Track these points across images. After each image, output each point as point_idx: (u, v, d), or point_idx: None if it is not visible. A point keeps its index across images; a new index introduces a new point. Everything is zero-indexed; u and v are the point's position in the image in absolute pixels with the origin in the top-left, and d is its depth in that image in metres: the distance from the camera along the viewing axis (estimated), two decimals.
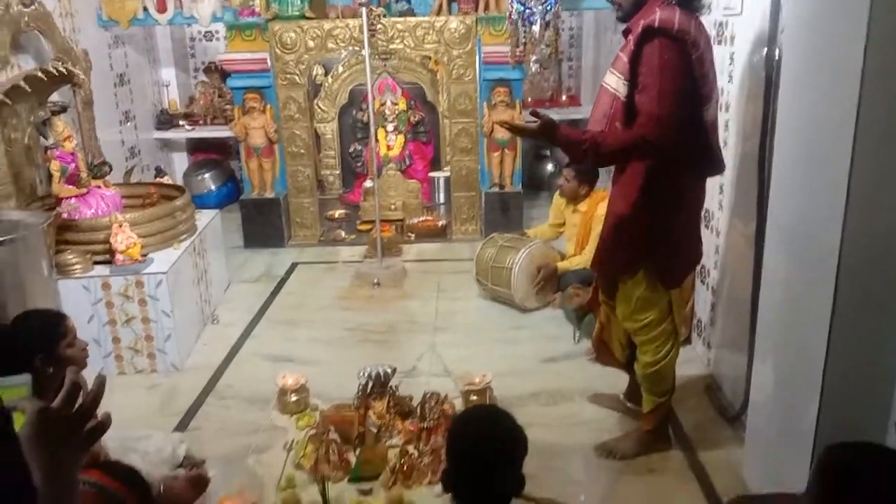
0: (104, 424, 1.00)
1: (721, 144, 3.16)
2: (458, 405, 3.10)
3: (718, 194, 3.29)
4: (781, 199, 2.34)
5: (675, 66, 2.30)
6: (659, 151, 2.35)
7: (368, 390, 3.01)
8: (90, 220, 3.67)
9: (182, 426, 3.15)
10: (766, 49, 2.67)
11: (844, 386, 2.01)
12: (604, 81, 2.48)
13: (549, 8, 4.63)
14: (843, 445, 1.46)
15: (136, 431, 2.64)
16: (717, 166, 2.62)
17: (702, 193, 2.68)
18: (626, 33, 2.46)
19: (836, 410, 2.03)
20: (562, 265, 4.18)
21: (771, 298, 2.44)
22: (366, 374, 3.02)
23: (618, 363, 3.07)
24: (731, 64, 3.11)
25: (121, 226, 3.55)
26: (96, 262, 3.60)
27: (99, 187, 3.90)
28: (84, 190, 3.78)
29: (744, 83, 2.98)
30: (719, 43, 3.24)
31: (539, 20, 4.70)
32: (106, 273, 3.54)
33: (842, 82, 1.85)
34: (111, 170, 4.10)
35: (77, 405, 0.96)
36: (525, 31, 4.81)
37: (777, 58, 2.56)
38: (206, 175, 6.63)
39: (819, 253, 2.00)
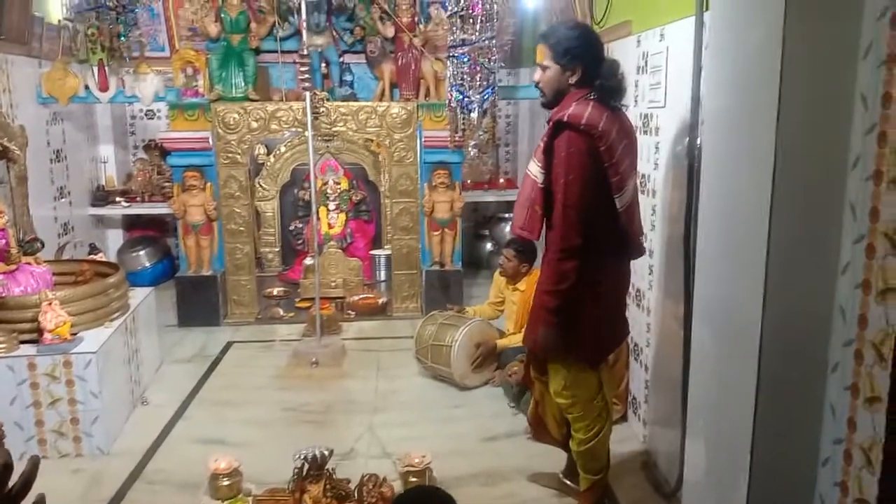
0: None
1: (650, 227, 3.34)
2: (398, 487, 3.04)
3: (648, 275, 3.42)
4: (705, 281, 2.46)
5: (580, 157, 2.45)
6: (572, 249, 2.48)
7: (304, 473, 2.93)
8: (18, 298, 3.55)
9: None
10: (688, 139, 2.85)
11: (771, 461, 2.08)
12: (528, 169, 2.66)
13: (486, 97, 4.85)
14: None
15: None
16: (634, 250, 2.76)
17: (621, 276, 2.79)
18: (549, 122, 2.61)
19: (765, 485, 2.09)
20: (501, 342, 4.24)
21: (699, 377, 2.52)
22: (301, 457, 2.94)
23: (554, 440, 3.09)
24: (656, 153, 3.30)
25: (50, 304, 3.45)
26: (23, 342, 3.47)
27: (29, 264, 3.81)
28: (13, 266, 3.69)
29: (669, 170, 3.16)
30: (645, 133, 3.44)
31: (477, 108, 4.90)
32: (32, 352, 3.41)
33: (757, 169, 1.99)
34: (43, 246, 4.01)
35: (8, 488, 0.94)
36: (464, 118, 5.00)
37: (698, 147, 2.73)
38: (142, 252, 6.53)
39: (742, 333, 2.10)
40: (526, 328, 2.87)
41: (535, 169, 2.58)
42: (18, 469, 0.99)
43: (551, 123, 2.51)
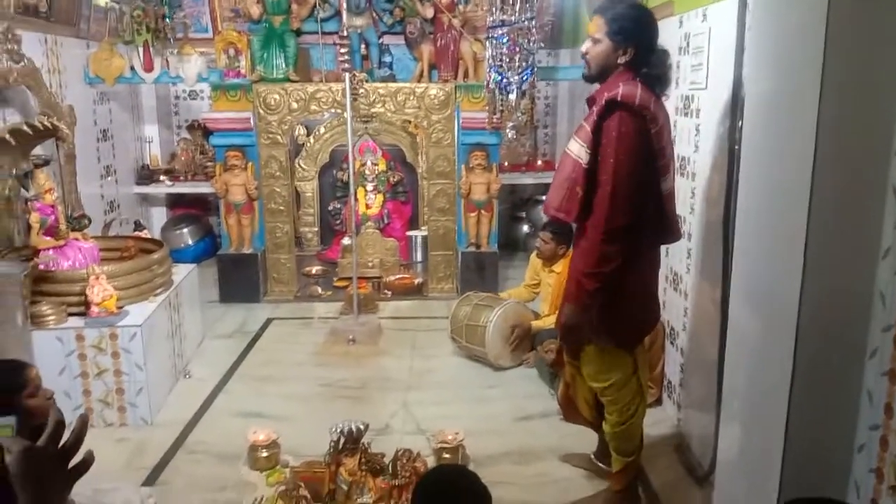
0: (87, 462, 1.03)
1: (688, 211, 3.31)
2: (431, 463, 3.09)
3: (686, 258, 3.40)
4: (743, 264, 2.44)
5: (632, 138, 2.40)
6: (617, 231, 2.43)
7: (340, 447, 3.00)
8: (67, 272, 3.68)
9: (150, 481, 3.11)
10: (729, 121, 2.82)
11: (806, 447, 2.07)
12: (567, 148, 2.59)
13: (525, 78, 4.81)
14: (803, 500, 1.51)
15: (105, 484, 2.61)
16: (672, 235, 2.72)
17: (656, 259, 2.76)
18: (589, 102, 2.58)
19: (799, 471, 2.08)
20: (536, 324, 4.25)
21: (735, 360, 2.51)
22: (338, 431, 3.01)
23: (585, 421, 3.09)
24: (697, 135, 3.26)
25: (97, 278, 3.56)
26: (71, 314, 3.59)
27: (77, 240, 3.93)
28: (62, 242, 3.81)
29: (709, 153, 3.12)
30: (686, 115, 3.40)
31: (515, 89, 4.87)
32: (80, 325, 3.53)
33: (797, 154, 1.97)
34: (90, 223, 4.14)
35: (61, 444, 1.00)
36: (502, 99, 4.97)
37: (739, 130, 2.70)
38: (185, 230, 6.67)
39: (779, 316, 2.08)
40: (558, 312, 2.85)
41: (576, 148, 2.51)
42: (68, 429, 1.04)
43: (603, 102, 2.43)
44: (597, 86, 2.60)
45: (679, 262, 3.51)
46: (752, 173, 2.39)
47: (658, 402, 3.74)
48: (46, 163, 3.92)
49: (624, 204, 2.41)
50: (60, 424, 0.99)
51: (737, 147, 2.70)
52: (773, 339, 2.15)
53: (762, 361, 2.27)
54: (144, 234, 4.73)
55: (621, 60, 2.49)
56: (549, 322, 4.13)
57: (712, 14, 3.07)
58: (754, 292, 2.35)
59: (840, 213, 1.91)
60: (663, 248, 3.64)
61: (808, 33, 1.88)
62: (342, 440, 2.99)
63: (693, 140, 3.31)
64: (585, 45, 2.57)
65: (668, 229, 2.68)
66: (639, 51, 2.48)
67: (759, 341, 2.32)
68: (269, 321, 5.17)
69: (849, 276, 1.94)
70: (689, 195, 3.35)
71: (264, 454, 3.16)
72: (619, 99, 2.40)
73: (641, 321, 2.78)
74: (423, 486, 1.77)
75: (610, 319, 2.60)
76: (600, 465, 3.11)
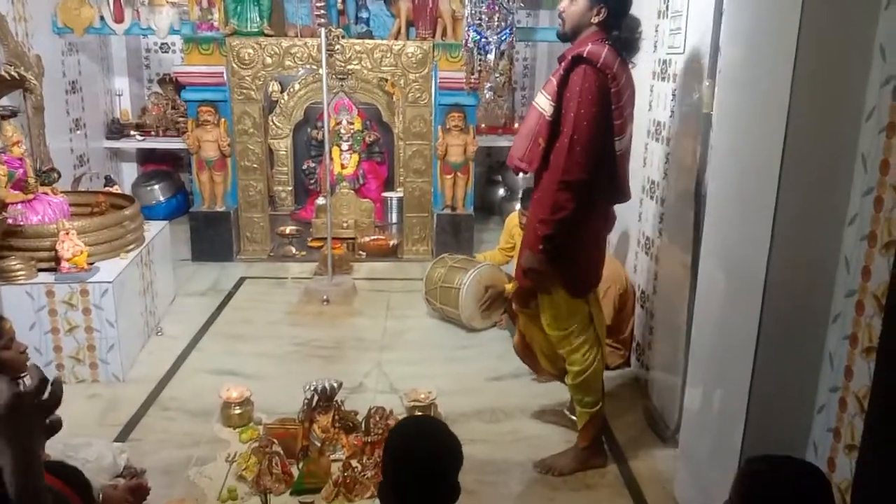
0: (57, 424, 1.04)
1: (661, 176, 3.34)
2: None
3: (658, 223, 3.44)
4: (714, 229, 2.48)
5: (593, 93, 2.51)
6: (572, 182, 2.54)
7: (314, 404, 3.03)
8: (36, 227, 3.62)
9: (123, 436, 3.11)
10: (704, 86, 2.83)
11: (768, 407, 2.13)
12: (534, 101, 2.70)
13: (504, 38, 4.77)
14: (761, 457, 1.56)
15: (77, 439, 2.61)
16: (622, 195, 2.82)
17: (608, 217, 2.88)
18: (560, 60, 2.67)
19: (761, 430, 2.15)
20: (510, 287, 4.28)
21: (703, 323, 2.57)
22: (311, 388, 3.04)
23: (545, 371, 3.22)
24: (672, 100, 3.27)
25: (67, 233, 3.51)
26: (41, 270, 3.54)
27: (46, 194, 3.86)
28: (31, 196, 3.73)
29: (684, 118, 3.14)
30: (663, 79, 3.41)
31: (494, 49, 4.82)
32: (50, 280, 3.49)
33: (770, 121, 1.99)
34: (59, 177, 4.06)
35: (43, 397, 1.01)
36: (480, 60, 4.92)
37: (713, 96, 2.71)
38: (156, 186, 6.59)
39: (747, 280, 2.13)
40: (517, 261, 2.94)
41: (543, 101, 2.63)
42: None
43: (569, 58, 2.55)
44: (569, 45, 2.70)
45: (651, 226, 3.55)
46: (725, 139, 2.42)
47: (627, 363, 3.81)
48: (14, 114, 3.82)
49: (580, 155, 2.52)
50: (44, 381, 1.01)
51: (711, 112, 2.72)
52: (740, 302, 2.20)
53: (729, 324, 2.33)
54: (115, 189, 4.65)
55: (594, 20, 2.60)
56: None
57: None
58: (724, 257, 2.40)
59: (809, 179, 1.94)
60: (637, 210, 3.70)
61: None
62: (315, 398, 3.02)
63: (669, 105, 3.32)
64: (563, 4, 2.68)
65: (619, 189, 2.78)
66: (611, 12, 2.59)
67: (726, 305, 2.37)
68: (242, 280, 5.15)
69: (816, 241, 1.98)
70: (664, 160, 3.37)
71: (237, 411, 3.18)
72: (584, 55, 2.52)
73: (592, 272, 2.87)
74: (393, 436, 1.79)
75: (563, 268, 2.71)
76: (573, 417, 3.17)
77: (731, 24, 2.44)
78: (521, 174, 2.88)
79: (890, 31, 1.76)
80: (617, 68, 2.54)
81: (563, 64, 2.58)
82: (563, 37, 2.71)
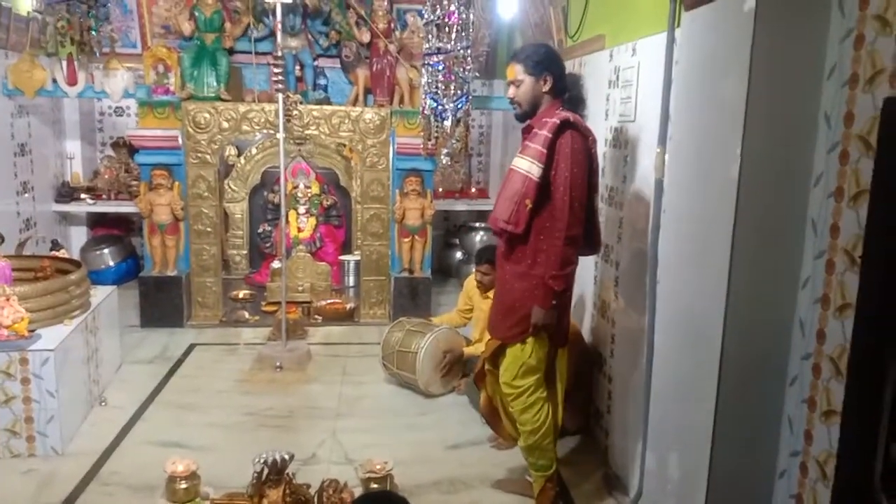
0: None
1: (616, 240, 3.38)
2: (359, 493, 3.01)
3: (614, 286, 3.45)
4: (668, 293, 2.49)
5: (581, 154, 2.73)
6: (576, 237, 2.73)
7: (264, 478, 2.89)
8: None
9: None
10: (655, 154, 2.89)
11: (730, 473, 2.11)
12: (514, 166, 2.82)
13: (460, 106, 4.84)
14: None
15: None
16: (598, 246, 3.08)
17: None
18: (526, 131, 2.85)
19: (723, 497, 2.12)
20: (468, 350, 4.24)
21: (661, 389, 2.55)
22: (261, 461, 2.90)
23: (508, 436, 3.29)
24: (625, 165, 3.33)
25: (8, 299, 3.37)
26: None
27: None
28: None
29: (636, 184, 3.20)
30: (615, 146, 3.48)
31: (451, 116, 4.89)
32: None
33: (721, 186, 2.03)
34: (2, 241, 3.93)
35: None
36: (437, 126, 4.99)
37: (665, 161, 2.77)
38: (106, 250, 6.42)
39: (703, 344, 2.13)
40: (494, 319, 2.99)
41: (526, 165, 2.75)
42: None
43: (557, 122, 2.70)
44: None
45: (606, 289, 3.57)
46: (678, 204, 2.46)
47: (585, 427, 3.76)
48: None
49: (579, 212, 2.72)
50: None
51: (662, 178, 2.77)
52: (698, 366, 2.19)
53: (687, 389, 2.31)
54: (62, 253, 4.50)
55: (545, 89, 2.81)
56: (480, 348, 4.12)
57: (641, 48, 3.16)
58: (679, 321, 2.40)
59: (762, 243, 1.97)
60: (591, 273, 3.72)
61: (734, 68, 1.95)
62: (265, 471, 2.88)
63: (622, 171, 3.38)
64: (510, 91, 2.87)
65: (595, 240, 3.02)
66: (556, 77, 2.80)
67: (684, 369, 2.36)
68: (192, 346, 4.99)
69: (770, 304, 2.00)
70: (618, 225, 3.41)
71: (183, 486, 3.01)
72: (571, 120, 2.72)
73: (567, 321, 3.03)
74: None
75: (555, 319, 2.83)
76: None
77: (680, 93, 2.51)
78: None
79: (833, 99, 1.82)
80: (591, 132, 2.80)
81: (547, 129, 2.72)
82: (523, 117, 2.88)
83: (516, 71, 2.82)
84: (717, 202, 2.07)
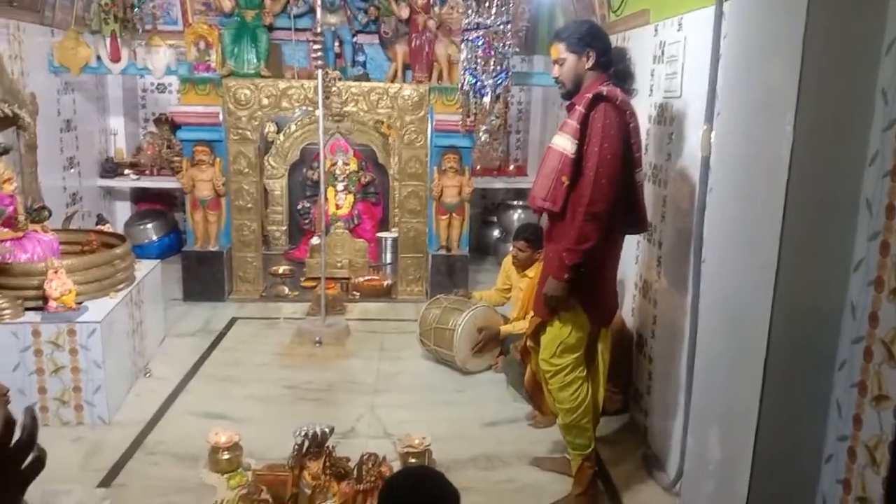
0: (40, 462, 0.96)
1: (660, 219, 3.32)
2: (397, 468, 3.05)
3: (657, 266, 3.41)
4: (714, 273, 2.44)
5: (614, 129, 2.64)
6: (598, 214, 2.63)
7: (304, 450, 2.94)
8: (24, 265, 3.56)
9: (107, 482, 3.01)
10: (702, 130, 2.82)
11: (774, 457, 2.07)
12: (551, 143, 2.77)
13: (499, 82, 4.80)
14: None
15: (58, 485, 2.52)
16: (641, 224, 2.95)
17: (621, 248, 2.95)
18: (569, 108, 2.79)
19: (766, 480, 2.08)
20: (505, 328, 4.23)
21: (705, 369, 2.51)
22: (302, 434, 2.95)
23: (549, 413, 3.27)
24: (669, 143, 3.27)
25: (56, 272, 3.45)
26: (28, 309, 3.47)
27: (36, 232, 3.81)
28: (20, 234, 3.68)
29: (681, 161, 3.14)
30: (660, 123, 3.41)
31: (490, 93, 4.85)
32: (37, 320, 3.42)
33: (771, 165, 1.97)
34: (50, 215, 4.01)
35: (14, 441, 0.93)
36: (476, 103, 4.95)
37: (712, 139, 2.71)
38: (149, 225, 6.54)
39: (750, 326, 2.08)
40: (536, 296, 2.96)
41: (562, 141, 2.70)
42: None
43: (590, 96, 2.65)
44: None
45: (649, 269, 3.52)
46: (725, 183, 2.39)
47: (625, 408, 3.74)
48: (6, 151, 3.78)
49: (605, 188, 2.61)
50: (10, 423, 0.92)
51: (709, 156, 2.71)
52: (743, 348, 2.15)
53: (732, 370, 2.27)
54: (107, 228, 4.60)
55: (588, 65, 2.75)
56: (518, 326, 4.11)
57: (688, 23, 3.09)
58: (724, 301, 2.35)
59: (814, 223, 1.91)
60: (633, 253, 3.67)
61: (786, 43, 1.88)
62: (306, 443, 2.93)
63: (666, 148, 3.31)
64: (555, 70, 2.82)
65: (639, 218, 2.90)
66: (599, 52, 2.73)
67: (729, 351, 2.32)
68: (233, 320, 5.08)
69: (821, 286, 1.94)
70: (661, 203, 3.36)
71: (226, 456, 3.09)
72: (604, 94, 2.65)
73: (611, 301, 2.98)
74: (388, 487, 1.73)
75: (588, 297, 2.79)
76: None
77: (728, 68, 2.44)
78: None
79: (891, 75, 1.75)
80: (630, 106, 2.71)
81: (582, 103, 2.67)
82: (568, 95, 2.82)
83: (559, 49, 2.77)
84: (766, 181, 2.01)
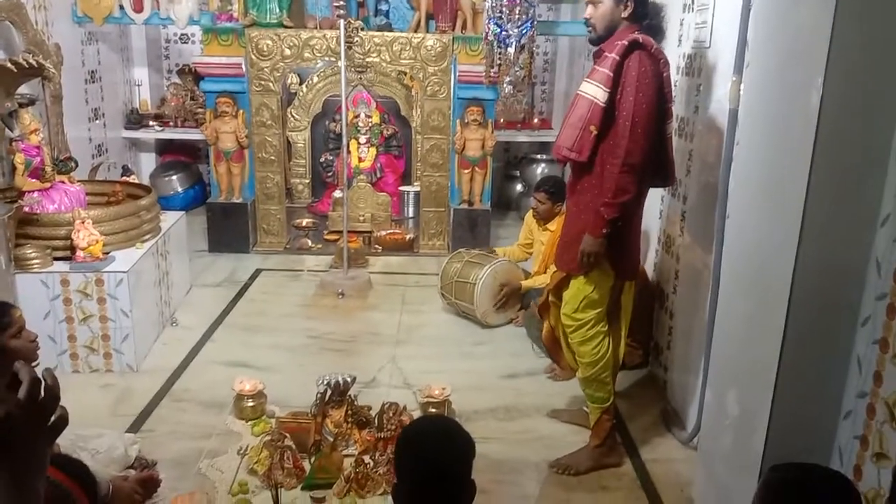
0: (64, 417, 0.99)
1: (685, 173, 3.27)
2: (417, 417, 3.10)
3: (680, 220, 3.37)
4: (738, 228, 2.41)
5: (650, 77, 2.57)
6: (635, 165, 2.57)
7: (327, 399, 3.00)
8: (52, 215, 3.62)
9: (135, 427, 3.10)
10: (731, 82, 2.76)
11: (792, 412, 2.07)
12: (580, 91, 2.70)
13: (524, 32, 4.71)
14: (788, 465, 1.50)
15: (88, 430, 2.60)
16: (670, 178, 2.89)
17: (644, 200, 2.88)
18: (597, 55, 2.71)
19: (784, 436, 2.09)
20: (525, 283, 4.24)
21: (725, 325, 2.50)
22: (324, 383, 3.00)
23: (567, 367, 3.26)
24: (697, 95, 3.20)
25: (83, 222, 3.51)
26: (56, 258, 3.54)
27: (63, 182, 3.86)
28: (48, 184, 3.74)
29: (709, 114, 3.07)
30: (688, 74, 3.34)
31: (514, 43, 4.77)
32: (66, 269, 3.49)
33: (800, 118, 1.92)
34: (77, 166, 4.06)
35: (39, 400, 0.96)
36: (500, 53, 4.88)
37: (741, 91, 2.64)
38: (174, 177, 6.59)
39: (772, 281, 2.06)
40: (559, 250, 2.94)
41: (592, 90, 2.62)
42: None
43: (626, 43, 2.56)
44: None
45: (672, 224, 3.48)
46: (752, 136, 2.35)
47: (645, 363, 3.75)
48: (32, 102, 3.82)
49: (642, 139, 2.56)
50: (36, 382, 0.95)
51: (737, 108, 2.65)
52: (765, 303, 2.14)
53: (752, 325, 2.26)
54: (132, 179, 4.64)
55: (624, 14, 2.64)
56: (539, 281, 4.11)
57: None
58: (748, 256, 2.33)
59: (840, 178, 1.87)
60: (658, 207, 3.64)
61: None
62: (329, 392, 2.99)
63: (693, 100, 3.25)
64: (588, 11, 2.71)
65: (668, 172, 2.85)
66: (637, 1, 2.63)
67: (750, 305, 2.30)
68: (258, 272, 5.14)
69: (846, 242, 1.91)
70: (687, 157, 3.30)
71: (250, 404, 3.16)
72: (640, 41, 2.56)
73: (636, 255, 2.94)
74: (405, 435, 1.76)
75: (616, 251, 2.73)
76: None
77: (759, 18, 2.37)
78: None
79: None
80: (664, 54, 2.63)
81: (616, 51, 2.58)
82: (597, 40, 2.73)
83: None
84: (795, 134, 1.96)
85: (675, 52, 3.42)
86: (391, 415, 2.96)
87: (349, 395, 3.04)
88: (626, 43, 2.56)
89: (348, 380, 3.02)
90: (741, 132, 2.48)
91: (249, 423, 3.12)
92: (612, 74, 2.57)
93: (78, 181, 4.02)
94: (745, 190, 2.37)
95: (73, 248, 3.51)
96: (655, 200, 3.60)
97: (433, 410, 3.12)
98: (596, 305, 2.83)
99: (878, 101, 1.81)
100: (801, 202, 1.91)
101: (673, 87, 3.41)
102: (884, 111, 1.80)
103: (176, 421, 3.19)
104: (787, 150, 2.02)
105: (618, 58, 2.56)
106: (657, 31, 2.69)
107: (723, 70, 2.91)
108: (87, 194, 4.02)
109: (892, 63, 1.77)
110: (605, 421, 2.94)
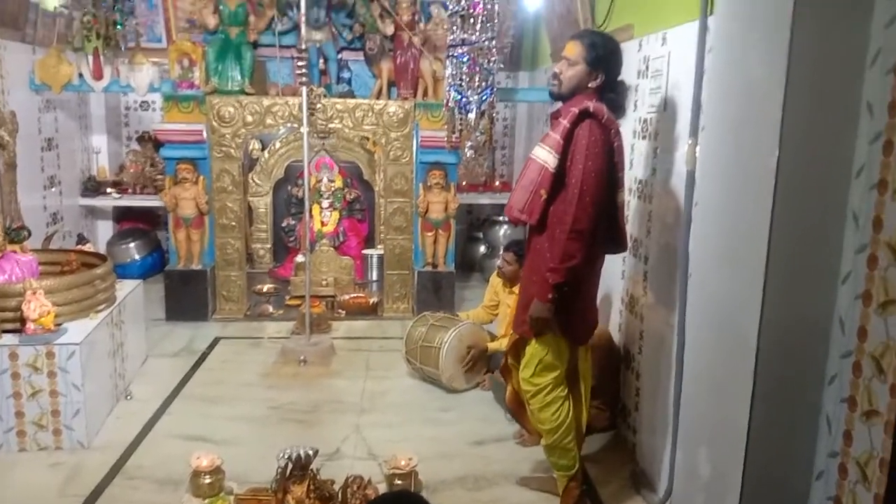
0: None
1: (645, 234, 3.31)
2: (383, 489, 2.99)
3: (643, 281, 3.39)
4: (701, 288, 2.42)
5: (599, 146, 2.61)
6: (583, 232, 2.60)
7: (288, 473, 2.88)
8: (2, 286, 3.48)
9: None
10: (687, 145, 2.82)
11: (764, 473, 2.04)
12: (532, 155, 2.75)
13: (484, 98, 4.79)
14: None
15: None
16: (621, 245, 2.93)
17: (602, 266, 2.91)
18: (553, 117, 2.76)
19: (757, 498, 2.05)
20: (492, 345, 4.19)
21: (693, 385, 2.49)
22: (285, 456, 2.88)
23: (534, 431, 3.23)
24: (654, 158, 3.26)
25: (35, 293, 3.39)
26: (5, 331, 3.40)
27: (15, 252, 3.74)
28: None
29: (666, 176, 3.13)
30: (644, 138, 3.41)
31: (475, 109, 4.84)
32: (15, 342, 3.34)
33: (758, 178, 1.96)
34: (29, 235, 3.94)
35: None
36: (461, 119, 4.94)
37: (697, 153, 2.70)
38: (132, 244, 6.47)
39: (738, 341, 2.06)
40: (516, 314, 2.93)
41: (543, 154, 2.67)
42: None
43: (577, 111, 2.61)
44: (558, 105, 2.81)
45: (636, 285, 3.50)
46: (711, 196, 2.38)
47: (612, 426, 3.70)
48: None
49: (590, 206, 2.59)
50: None
51: (693, 169, 2.70)
52: (732, 364, 2.13)
53: (720, 386, 2.24)
54: (88, 247, 4.53)
55: (592, 84, 2.71)
56: (504, 343, 4.07)
57: (672, 37, 3.09)
58: (712, 316, 2.33)
59: (800, 237, 1.90)
60: (619, 269, 3.66)
61: (771, 57, 1.88)
62: (290, 466, 2.86)
63: (651, 163, 3.31)
64: (560, 66, 2.75)
65: (620, 239, 2.89)
66: (608, 78, 2.71)
67: (717, 366, 2.29)
68: (217, 340, 5.01)
69: (809, 300, 1.93)
70: (647, 218, 3.34)
71: (207, 480, 3.01)
72: (591, 110, 2.62)
73: (589, 320, 2.92)
74: None
75: (566, 316, 2.74)
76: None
77: (713, 82, 2.44)
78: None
79: (876, 88, 1.74)
80: (615, 125, 2.69)
81: (566, 118, 2.64)
82: (558, 97, 2.78)
83: (576, 51, 2.69)
84: (753, 194, 2.00)
85: (631, 116, 3.50)
86: (355, 488, 2.85)
87: (311, 469, 2.92)
88: (577, 111, 2.61)
89: (310, 453, 2.91)
90: (699, 193, 2.52)
91: (207, 500, 2.97)
92: (562, 141, 2.62)
93: (30, 250, 3.90)
94: (705, 250, 2.40)
95: (23, 320, 3.37)
96: (618, 261, 3.62)
97: (399, 482, 3.01)
98: (552, 369, 2.82)
99: (833, 161, 1.85)
100: (762, 261, 1.92)
101: (628, 151, 3.50)
102: (840, 168, 1.84)
103: (128, 500, 3.03)
104: (746, 210, 2.05)
105: (568, 125, 2.62)
106: (617, 108, 2.75)
107: (679, 133, 2.97)
108: (41, 263, 3.90)
109: (847, 120, 1.82)
110: (573, 489, 2.90)
